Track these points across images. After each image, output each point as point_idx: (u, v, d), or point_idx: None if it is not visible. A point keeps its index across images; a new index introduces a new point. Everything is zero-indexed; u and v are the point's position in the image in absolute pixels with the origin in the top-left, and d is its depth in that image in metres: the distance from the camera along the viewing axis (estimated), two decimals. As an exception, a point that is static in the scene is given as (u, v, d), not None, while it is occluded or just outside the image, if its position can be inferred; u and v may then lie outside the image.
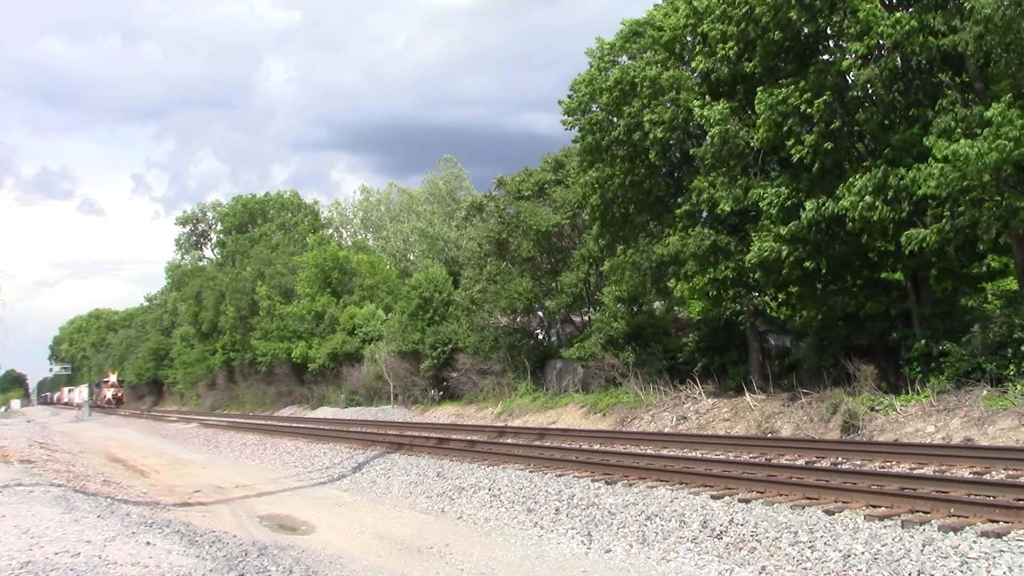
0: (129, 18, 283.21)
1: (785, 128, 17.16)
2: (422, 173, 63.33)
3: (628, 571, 8.70)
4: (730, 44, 18.69)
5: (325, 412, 44.05)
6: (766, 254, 17.57)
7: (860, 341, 19.05)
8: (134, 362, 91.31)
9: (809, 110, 16.56)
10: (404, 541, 10.73)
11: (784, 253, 17.44)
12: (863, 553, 7.89)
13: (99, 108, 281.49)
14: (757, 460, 14.21)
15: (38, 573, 6.80)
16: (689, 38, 21.18)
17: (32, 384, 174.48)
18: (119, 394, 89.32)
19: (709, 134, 18.81)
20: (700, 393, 22.52)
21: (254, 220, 72.95)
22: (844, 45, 17.33)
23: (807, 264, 17.78)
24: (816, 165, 16.99)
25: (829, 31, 17.73)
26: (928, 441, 14.65)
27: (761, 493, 10.47)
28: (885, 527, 8.46)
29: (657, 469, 12.87)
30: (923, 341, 17.31)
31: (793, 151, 17.05)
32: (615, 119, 22.28)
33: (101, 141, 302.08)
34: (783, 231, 17.43)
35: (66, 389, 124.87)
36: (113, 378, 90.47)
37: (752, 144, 18.07)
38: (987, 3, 14.28)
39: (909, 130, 16.51)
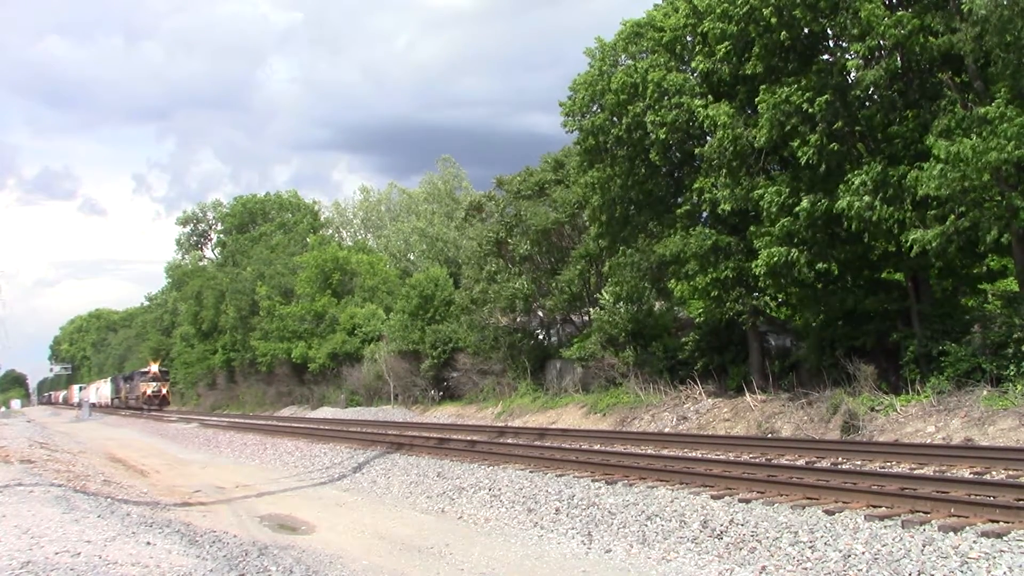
0: (131, 18, 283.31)
1: (788, 128, 17.17)
2: (423, 174, 63.17)
3: (628, 571, 8.70)
4: (728, 43, 18.68)
5: (325, 412, 44.05)
6: (775, 259, 17.55)
7: (860, 341, 19.06)
8: (134, 362, 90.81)
9: (811, 109, 16.57)
10: (404, 541, 10.73)
11: (795, 256, 17.43)
12: (863, 553, 7.89)
13: (101, 108, 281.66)
14: (757, 460, 14.21)
15: (38, 573, 6.80)
16: (689, 38, 21.19)
17: (32, 384, 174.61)
18: (163, 391, 67.14)
19: (717, 137, 18.79)
20: (700, 393, 22.52)
21: (254, 220, 73.01)
22: (845, 45, 17.34)
23: (819, 267, 17.79)
24: (821, 166, 16.99)
25: (831, 31, 17.74)
26: (928, 441, 14.66)
27: (761, 493, 10.47)
28: (885, 527, 8.47)
29: (657, 469, 12.88)
30: (923, 341, 17.33)
31: (799, 152, 17.04)
32: (617, 119, 22.28)
33: (103, 141, 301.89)
34: (776, 229, 17.44)
35: (76, 387, 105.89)
36: (155, 368, 68.47)
37: (756, 144, 18.07)
38: (983, 4, 14.29)
39: (909, 130, 16.53)
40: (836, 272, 18.93)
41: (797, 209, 17.05)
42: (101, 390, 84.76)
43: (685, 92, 20.40)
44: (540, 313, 34.10)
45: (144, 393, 65.53)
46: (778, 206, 17.56)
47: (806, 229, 17.23)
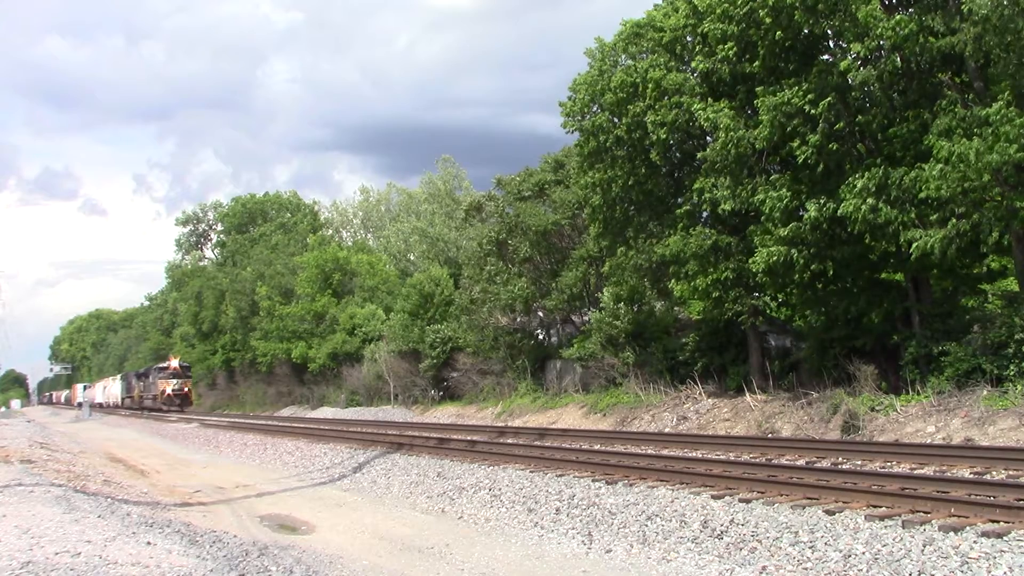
0: (131, 18, 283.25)
1: (789, 129, 17.17)
2: (423, 174, 62.88)
3: (628, 571, 8.70)
4: (730, 44, 18.69)
5: (325, 412, 44.07)
6: (774, 259, 17.56)
7: (861, 342, 19.05)
8: (134, 362, 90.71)
9: (813, 111, 16.58)
10: (404, 541, 10.73)
11: (794, 256, 17.44)
12: (864, 553, 7.89)
13: (101, 108, 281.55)
14: (757, 460, 14.21)
15: (39, 573, 6.80)
16: (689, 38, 21.19)
17: (32, 384, 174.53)
18: (185, 389, 60.16)
19: (719, 140, 18.78)
20: (700, 393, 22.51)
21: (254, 220, 73.01)
22: (844, 46, 17.34)
23: (814, 267, 17.81)
24: (820, 167, 16.99)
25: (830, 32, 17.75)
26: (928, 441, 14.66)
27: (762, 493, 10.47)
28: (886, 527, 8.47)
29: (658, 469, 12.88)
30: (923, 341, 17.33)
31: (798, 152, 17.05)
32: (617, 119, 22.28)
33: (103, 142, 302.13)
34: (784, 232, 17.45)
35: (80, 386, 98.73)
36: (175, 363, 60.95)
37: (756, 145, 18.07)
38: (984, 4, 14.29)
39: (908, 130, 16.53)
40: (835, 273, 18.95)
41: (805, 217, 17.09)
42: (109, 389, 78.33)
43: (685, 92, 20.40)
44: (540, 313, 34.09)
45: (163, 392, 58.51)
46: (780, 210, 17.56)
47: (810, 232, 17.25)
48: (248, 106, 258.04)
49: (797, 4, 16.65)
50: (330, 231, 69.75)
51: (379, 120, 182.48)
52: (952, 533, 7.93)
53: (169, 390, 58.41)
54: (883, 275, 19.68)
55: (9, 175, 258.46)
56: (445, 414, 35.28)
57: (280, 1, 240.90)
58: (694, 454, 15.67)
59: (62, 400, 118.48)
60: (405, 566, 9.36)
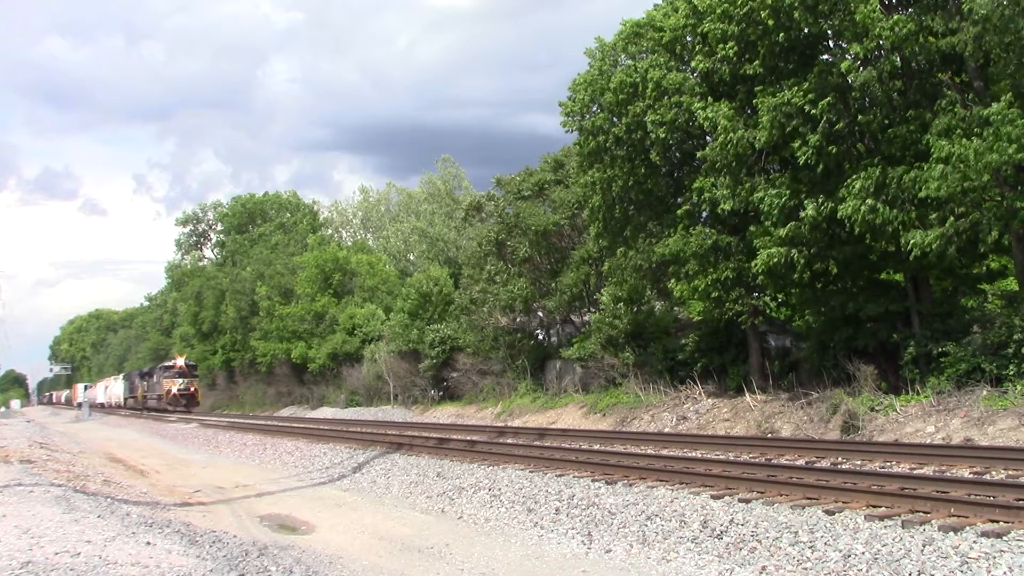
0: (131, 18, 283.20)
1: (788, 129, 17.17)
2: (423, 174, 62.89)
3: (628, 571, 8.70)
4: (730, 44, 18.70)
5: (325, 412, 44.07)
6: (775, 260, 17.56)
7: (861, 343, 19.05)
8: (134, 362, 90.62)
9: (813, 111, 16.58)
10: (404, 541, 10.73)
11: (795, 256, 17.44)
12: (863, 553, 7.89)
13: (101, 108, 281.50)
14: (757, 460, 14.22)
15: (38, 573, 6.80)
16: (689, 38, 21.19)
17: (32, 384, 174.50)
18: (192, 388, 58.14)
19: (718, 140, 18.78)
20: (700, 393, 22.51)
21: (253, 220, 72.96)
22: (844, 46, 17.35)
23: (817, 266, 17.81)
24: (820, 167, 17.00)
25: (829, 32, 17.76)
26: (928, 441, 14.66)
27: (761, 493, 10.47)
28: (885, 527, 8.47)
29: (657, 469, 12.88)
30: (923, 341, 17.33)
31: (799, 153, 17.05)
32: (616, 119, 22.29)
33: (103, 142, 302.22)
34: (782, 232, 17.45)
35: (80, 386, 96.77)
36: (181, 362, 59.07)
37: (756, 144, 18.07)
38: (984, 3, 14.30)
39: (908, 130, 16.53)
40: (835, 273, 18.95)
41: (803, 215, 17.10)
42: (111, 389, 76.71)
43: (685, 92, 20.40)
44: (540, 313, 34.09)
45: (168, 392, 56.43)
46: (779, 208, 17.57)
47: (809, 232, 17.26)
48: (248, 106, 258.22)
49: (797, 4, 16.65)
50: (330, 231, 69.71)
51: (379, 120, 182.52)
52: (952, 533, 7.93)
53: (175, 389, 56.47)
54: (883, 275, 19.68)
55: (9, 175, 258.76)
56: (445, 414, 35.28)
57: (280, 1, 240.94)
58: (694, 454, 15.67)
59: (62, 400, 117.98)
60: (405, 566, 9.36)
